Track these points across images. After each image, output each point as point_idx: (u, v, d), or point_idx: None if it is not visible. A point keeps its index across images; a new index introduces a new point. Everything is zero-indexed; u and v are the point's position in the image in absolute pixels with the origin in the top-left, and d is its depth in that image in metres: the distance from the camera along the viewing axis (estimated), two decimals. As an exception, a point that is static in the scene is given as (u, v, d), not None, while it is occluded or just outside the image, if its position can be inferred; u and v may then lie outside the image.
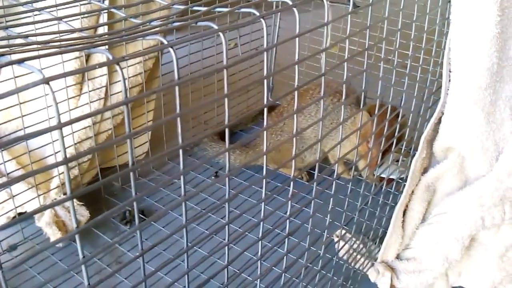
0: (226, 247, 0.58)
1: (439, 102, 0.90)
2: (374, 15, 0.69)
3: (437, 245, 0.96)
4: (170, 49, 0.45)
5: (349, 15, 0.62)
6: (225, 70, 0.49)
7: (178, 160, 0.49)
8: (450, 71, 0.88)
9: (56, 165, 0.39)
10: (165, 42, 0.45)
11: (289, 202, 0.67)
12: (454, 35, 0.85)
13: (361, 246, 1.01)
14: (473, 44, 0.82)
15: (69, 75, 0.41)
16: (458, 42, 0.84)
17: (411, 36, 0.83)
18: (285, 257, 0.70)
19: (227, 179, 0.54)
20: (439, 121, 0.92)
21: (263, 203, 0.61)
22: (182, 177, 0.49)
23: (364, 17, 1.25)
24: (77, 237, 0.43)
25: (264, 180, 0.59)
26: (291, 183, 0.65)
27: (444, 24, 0.88)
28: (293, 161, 0.64)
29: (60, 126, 0.37)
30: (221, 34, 0.49)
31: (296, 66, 0.57)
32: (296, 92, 0.60)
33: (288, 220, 0.69)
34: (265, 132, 0.59)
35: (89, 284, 0.44)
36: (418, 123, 0.95)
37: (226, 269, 0.59)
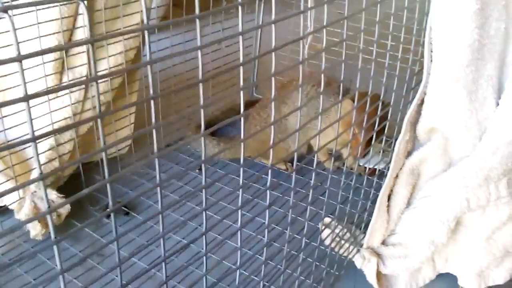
0: (204, 236, 0.57)
1: (421, 83, 0.90)
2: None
3: (423, 228, 0.95)
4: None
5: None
6: (199, 50, 0.48)
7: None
8: (431, 51, 0.87)
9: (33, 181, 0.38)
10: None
11: (267, 191, 0.66)
12: (435, 13, 0.84)
13: (346, 232, 1.00)
14: (454, 21, 0.81)
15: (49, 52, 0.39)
16: (439, 20, 0.84)
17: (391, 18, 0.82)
18: (264, 248, 0.69)
19: (202, 165, 0.53)
20: (421, 102, 0.92)
21: (240, 190, 0.60)
22: (157, 163, 0.48)
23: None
24: (48, 218, 0.41)
25: (242, 169, 0.58)
26: (269, 171, 0.64)
27: (425, 2, 0.87)
28: (271, 150, 0.63)
29: (34, 138, 0.36)
30: (197, 20, 0.48)
31: (273, 54, 0.56)
32: (273, 85, 0.59)
33: (267, 210, 0.68)
34: (242, 119, 0.57)
35: (61, 268, 0.42)
36: (401, 104, 0.95)
37: (204, 257, 0.58)
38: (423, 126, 0.93)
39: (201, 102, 0.51)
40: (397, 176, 0.97)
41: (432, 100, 0.89)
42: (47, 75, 1.06)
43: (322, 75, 0.73)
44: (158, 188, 0.49)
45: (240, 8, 0.50)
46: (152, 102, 0.44)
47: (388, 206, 0.98)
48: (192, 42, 1.38)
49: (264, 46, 1.65)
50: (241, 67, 0.53)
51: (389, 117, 0.94)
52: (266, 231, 0.69)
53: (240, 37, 0.52)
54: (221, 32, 1.49)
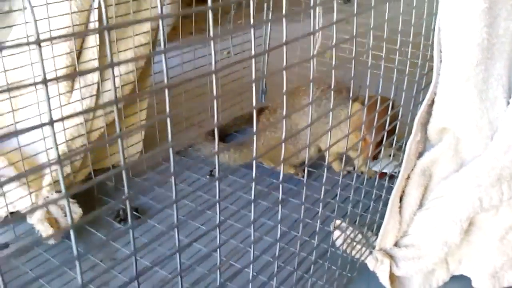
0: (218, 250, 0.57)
1: (431, 84, 0.90)
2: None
3: (435, 229, 0.94)
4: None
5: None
6: (213, 75, 0.49)
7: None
8: (441, 52, 0.88)
9: (49, 164, 0.38)
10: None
11: (279, 206, 0.67)
12: (443, 13, 0.85)
13: (358, 234, 0.99)
14: (462, 20, 0.82)
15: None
16: (447, 20, 0.84)
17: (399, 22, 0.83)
18: (277, 244, 0.69)
19: (217, 182, 0.54)
20: (432, 102, 0.92)
21: (252, 204, 0.61)
22: (173, 178, 0.49)
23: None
24: (72, 232, 0.42)
25: (254, 183, 0.59)
26: (280, 186, 0.65)
27: (433, 6, 0.88)
28: (282, 164, 0.64)
29: (51, 122, 0.37)
30: (211, 42, 0.49)
31: (284, 48, 0.57)
32: (285, 78, 0.60)
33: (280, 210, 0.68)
34: (254, 137, 0.58)
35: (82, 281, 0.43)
36: (411, 105, 0.95)
37: (218, 251, 0.58)
38: (434, 126, 0.93)
39: (214, 92, 0.51)
40: (408, 177, 0.97)
41: (442, 100, 0.89)
42: (59, 82, 1.07)
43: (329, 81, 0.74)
44: (173, 197, 0.49)
45: (252, 30, 0.51)
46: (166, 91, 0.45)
47: (400, 207, 0.98)
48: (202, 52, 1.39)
49: (272, 57, 1.66)
50: (253, 60, 0.54)
51: (399, 117, 0.94)
52: (279, 228, 0.69)
53: (252, 29, 0.53)
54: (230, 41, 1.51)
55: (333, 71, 0.75)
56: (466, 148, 0.92)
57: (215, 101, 0.49)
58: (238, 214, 1.11)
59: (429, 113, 0.93)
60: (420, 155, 0.97)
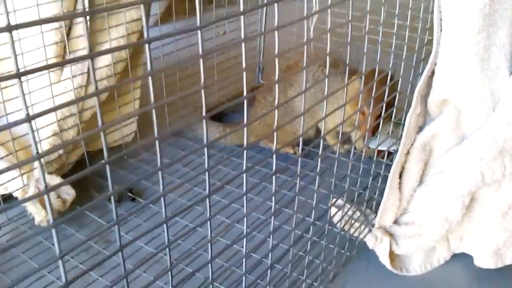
0: (209, 221, 0.55)
1: (431, 54, 0.87)
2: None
3: (436, 206, 0.92)
4: None
5: None
6: (201, 60, 0.45)
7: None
8: (441, 20, 0.84)
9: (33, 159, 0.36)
10: None
11: (273, 177, 0.64)
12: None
13: (356, 212, 0.97)
14: (463, -15, 0.78)
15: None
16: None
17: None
18: (272, 220, 0.66)
19: (205, 149, 0.51)
20: (432, 74, 0.88)
21: (244, 174, 0.58)
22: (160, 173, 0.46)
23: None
24: (46, 199, 0.39)
25: (245, 151, 0.56)
26: (274, 156, 0.62)
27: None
28: (276, 133, 0.61)
29: (29, 119, 0.34)
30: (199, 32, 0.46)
31: (276, 33, 0.54)
32: (277, 67, 0.56)
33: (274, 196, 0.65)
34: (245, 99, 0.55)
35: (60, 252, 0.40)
36: (411, 76, 0.92)
37: (209, 243, 0.56)
38: (434, 98, 0.90)
39: (202, 80, 0.48)
40: (408, 152, 0.94)
41: (443, 70, 0.86)
42: (48, 59, 1.04)
43: (328, 57, 0.71)
44: (159, 172, 0.47)
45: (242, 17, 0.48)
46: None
47: (400, 183, 0.95)
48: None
49: (268, 37, 1.62)
50: (243, 43, 0.50)
51: (398, 88, 0.91)
52: (273, 207, 0.67)
53: (242, 17, 0.50)
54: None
55: (327, 57, 0.72)
56: (467, 120, 0.89)
57: (202, 91, 0.46)
58: (230, 193, 1.10)
59: (429, 85, 0.90)
60: (420, 129, 0.94)
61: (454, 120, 0.90)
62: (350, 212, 0.97)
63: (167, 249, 0.51)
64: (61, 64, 0.41)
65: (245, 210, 0.60)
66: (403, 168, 0.95)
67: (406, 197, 0.96)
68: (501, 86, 0.84)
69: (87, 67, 1.10)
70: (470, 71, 0.82)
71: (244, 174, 0.57)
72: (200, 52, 0.42)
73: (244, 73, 0.49)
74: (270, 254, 0.69)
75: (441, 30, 0.85)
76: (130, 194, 1.14)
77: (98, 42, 1.12)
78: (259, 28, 1.60)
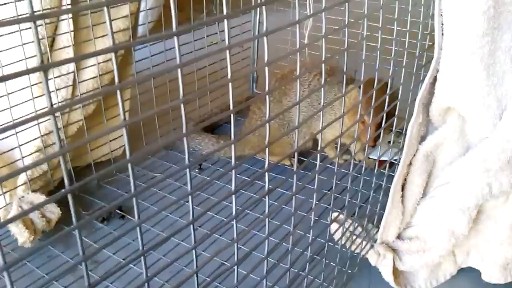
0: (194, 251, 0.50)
1: (433, 60, 0.82)
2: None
3: (441, 219, 0.87)
4: None
5: None
6: (179, 70, 0.41)
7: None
8: (442, 24, 0.80)
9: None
10: None
11: (267, 197, 0.59)
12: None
13: (357, 227, 0.92)
14: (466, -13, 0.74)
15: None
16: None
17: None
18: (266, 241, 0.61)
19: (187, 170, 0.46)
20: (434, 80, 0.84)
21: (233, 196, 0.53)
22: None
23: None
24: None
25: (234, 171, 0.51)
26: (266, 174, 0.57)
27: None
28: (267, 149, 0.56)
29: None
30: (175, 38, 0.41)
31: (265, 38, 0.49)
32: (267, 74, 0.52)
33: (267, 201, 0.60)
34: (232, 116, 0.50)
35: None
36: (412, 84, 0.87)
37: (193, 256, 0.51)
38: (437, 106, 0.85)
39: (181, 93, 0.43)
40: (410, 163, 0.89)
41: (445, 77, 0.81)
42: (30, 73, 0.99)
43: (324, 65, 0.66)
44: (134, 199, 0.42)
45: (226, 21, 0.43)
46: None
47: (403, 196, 0.91)
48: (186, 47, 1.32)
49: (263, 45, 1.58)
50: (228, 51, 0.46)
51: (399, 97, 0.86)
52: (267, 222, 0.62)
53: (225, 20, 0.45)
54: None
55: (323, 65, 0.67)
56: (472, 129, 0.84)
57: (182, 105, 0.41)
58: (224, 209, 1.04)
59: (431, 92, 0.85)
60: (422, 139, 0.90)
61: (458, 129, 0.85)
62: (351, 228, 0.92)
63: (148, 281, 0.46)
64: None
65: (235, 235, 0.54)
66: (405, 180, 0.91)
67: (410, 211, 0.91)
68: (508, 92, 0.79)
69: (72, 79, 1.05)
70: (474, 77, 0.78)
71: (233, 196, 0.52)
72: (178, 61, 0.37)
73: (230, 84, 0.44)
74: (265, 277, 0.63)
75: (442, 34, 0.80)
76: (119, 212, 1.08)
77: (83, 53, 1.06)
78: (252, 33, 1.55)
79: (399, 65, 0.82)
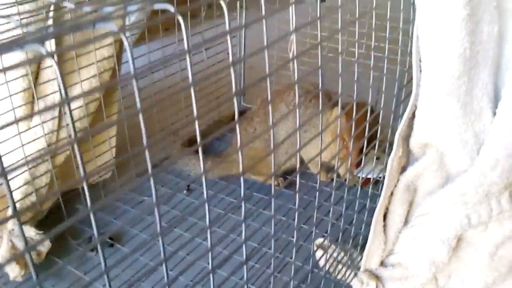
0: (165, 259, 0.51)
1: (411, 96, 0.84)
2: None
3: (422, 248, 0.89)
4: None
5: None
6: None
7: (146, 175, 0.44)
8: (420, 61, 0.81)
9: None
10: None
11: (243, 224, 0.60)
12: (421, 21, 0.78)
13: (342, 254, 0.94)
14: (442, 29, 0.75)
15: None
16: (426, 28, 0.77)
17: (373, 25, 0.76)
18: (245, 266, 0.62)
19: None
20: (413, 115, 0.85)
21: (208, 230, 0.54)
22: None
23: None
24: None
25: (206, 204, 0.52)
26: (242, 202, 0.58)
27: (410, 10, 0.81)
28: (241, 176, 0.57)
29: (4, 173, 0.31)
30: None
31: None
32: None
33: (244, 225, 0.61)
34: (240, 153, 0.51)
35: None
36: (392, 114, 0.88)
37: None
38: (417, 140, 0.87)
39: (195, 111, 0.45)
40: (392, 193, 0.91)
41: (424, 113, 0.83)
42: (15, 108, 1.00)
43: (305, 84, 0.67)
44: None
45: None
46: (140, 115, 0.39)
47: (385, 225, 0.93)
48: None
49: (250, 60, 1.59)
50: (232, 68, 0.47)
51: (380, 121, 0.88)
52: (244, 246, 0.63)
53: (228, 35, 0.46)
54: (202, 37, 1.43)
55: (296, 86, 0.67)
56: (451, 162, 0.86)
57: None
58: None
59: (410, 126, 0.87)
60: (403, 169, 0.91)
61: (437, 161, 0.87)
62: (335, 254, 0.94)
63: None
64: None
65: (210, 266, 0.55)
66: (387, 209, 0.93)
67: (392, 239, 0.93)
68: (485, 128, 0.81)
69: (58, 111, 1.06)
70: (451, 116, 0.79)
71: (208, 231, 0.53)
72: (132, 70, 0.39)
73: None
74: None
75: (420, 71, 0.82)
76: (109, 240, 1.10)
77: (68, 84, 1.07)
78: (238, 50, 1.55)
79: (380, 90, 0.83)
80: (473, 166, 0.81)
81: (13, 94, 0.99)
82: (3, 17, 0.51)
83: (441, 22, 0.75)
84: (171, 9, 0.42)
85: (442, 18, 0.75)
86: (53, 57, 0.35)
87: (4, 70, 0.34)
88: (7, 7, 0.93)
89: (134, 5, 0.48)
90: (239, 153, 0.57)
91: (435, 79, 0.78)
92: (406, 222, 0.93)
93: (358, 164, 1.08)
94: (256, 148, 1.23)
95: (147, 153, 0.42)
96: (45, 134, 1.04)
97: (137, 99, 0.41)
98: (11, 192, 0.37)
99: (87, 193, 0.41)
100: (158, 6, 0.45)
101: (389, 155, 0.88)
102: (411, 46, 0.82)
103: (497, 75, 0.81)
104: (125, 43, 0.41)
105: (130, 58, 0.40)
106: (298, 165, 0.72)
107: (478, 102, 0.80)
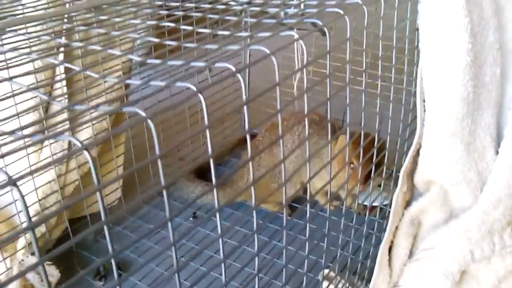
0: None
1: (416, 134, 0.86)
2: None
3: (426, 282, 0.91)
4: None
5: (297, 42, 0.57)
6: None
7: (153, 203, 0.45)
8: (424, 101, 0.84)
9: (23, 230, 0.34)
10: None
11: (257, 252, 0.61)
12: (425, 64, 0.80)
13: (348, 286, 0.96)
14: (446, 75, 0.77)
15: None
16: (430, 72, 0.80)
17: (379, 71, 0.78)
18: None
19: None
20: (417, 153, 0.88)
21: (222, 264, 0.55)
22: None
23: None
24: None
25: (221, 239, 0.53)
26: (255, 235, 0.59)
27: (414, 54, 0.84)
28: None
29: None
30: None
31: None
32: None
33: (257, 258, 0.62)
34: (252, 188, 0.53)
35: None
36: (398, 143, 0.91)
37: None
38: (421, 177, 0.89)
39: (210, 150, 0.46)
40: (397, 227, 0.93)
41: (428, 152, 0.85)
42: (27, 141, 1.02)
43: (312, 115, 0.68)
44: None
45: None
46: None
47: (390, 259, 0.94)
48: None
49: (253, 75, 1.61)
50: (245, 107, 0.49)
51: (386, 148, 0.90)
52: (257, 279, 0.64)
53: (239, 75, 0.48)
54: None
55: (306, 118, 0.69)
56: (455, 198, 0.88)
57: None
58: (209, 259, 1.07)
59: (414, 163, 0.89)
60: (407, 203, 0.93)
61: (441, 197, 0.89)
62: (340, 285, 0.96)
63: None
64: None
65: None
66: (392, 243, 0.94)
67: (397, 272, 0.95)
68: (488, 166, 0.83)
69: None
70: (455, 155, 0.81)
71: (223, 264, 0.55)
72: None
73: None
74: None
75: (424, 111, 0.84)
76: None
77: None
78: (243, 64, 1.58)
79: (386, 109, 0.84)
80: (477, 204, 0.84)
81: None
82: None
83: (444, 68, 0.77)
84: (142, 113, 0.42)
85: (445, 64, 0.77)
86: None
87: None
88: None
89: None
90: (252, 188, 0.58)
91: (439, 120, 0.80)
92: (411, 254, 0.95)
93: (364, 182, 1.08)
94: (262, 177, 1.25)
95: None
96: (55, 166, 1.06)
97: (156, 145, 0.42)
98: (33, 229, 0.37)
99: (107, 236, 0.41)
100: (126, 109, 0.46)
101: (394, 183, 0.90)
102: (415, 86, 0.84)
103: (499, 114, 0.84)
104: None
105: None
106: (308, 196, 0.74)
107: (481, 141, 0.82)
